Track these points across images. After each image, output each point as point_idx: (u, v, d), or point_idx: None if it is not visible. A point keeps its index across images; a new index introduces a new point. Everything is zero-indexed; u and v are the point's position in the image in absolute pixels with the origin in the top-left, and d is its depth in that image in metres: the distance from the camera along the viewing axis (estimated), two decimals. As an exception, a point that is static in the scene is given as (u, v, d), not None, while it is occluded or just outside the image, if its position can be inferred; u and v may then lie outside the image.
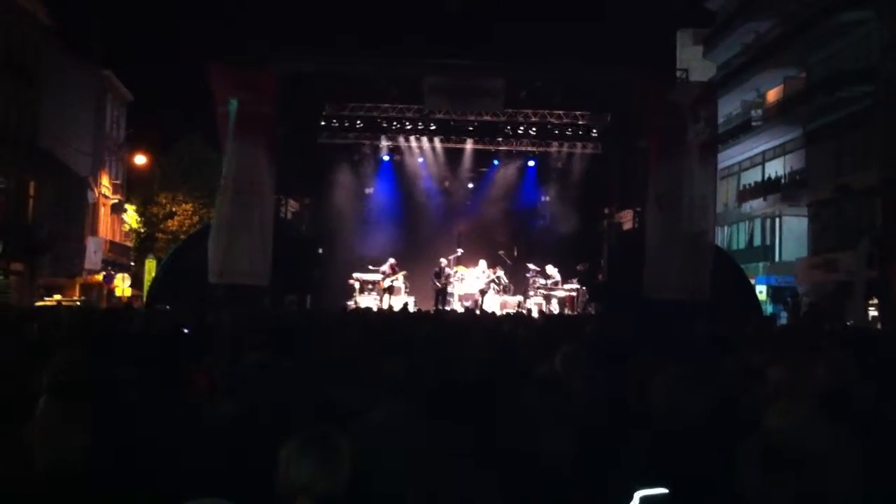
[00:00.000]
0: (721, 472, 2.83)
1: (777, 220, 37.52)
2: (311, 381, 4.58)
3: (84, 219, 41.58)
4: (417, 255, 23.29)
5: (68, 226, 38.49)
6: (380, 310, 17.89)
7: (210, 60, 19.10)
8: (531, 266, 23.29)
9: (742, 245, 40.22)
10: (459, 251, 23.28)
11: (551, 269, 22.69)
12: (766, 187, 37.34)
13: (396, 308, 18.57)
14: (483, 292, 22.42)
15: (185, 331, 8.72)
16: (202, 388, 4.98)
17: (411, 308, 18.67)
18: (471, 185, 25.61)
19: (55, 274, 37.35)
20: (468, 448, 3.28)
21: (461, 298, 22.60)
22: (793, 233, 35.87)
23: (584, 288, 22.06)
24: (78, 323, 9.66)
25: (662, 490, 3.01)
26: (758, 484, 2.69)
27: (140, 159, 46.62)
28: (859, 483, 3.01)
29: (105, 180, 45.07)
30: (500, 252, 23.62)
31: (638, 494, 2.97)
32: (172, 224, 47.24)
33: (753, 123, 37.48)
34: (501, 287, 22.90)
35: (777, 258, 37.07)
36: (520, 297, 22.86)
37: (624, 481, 3.01)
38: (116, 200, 46.70)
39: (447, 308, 20.54)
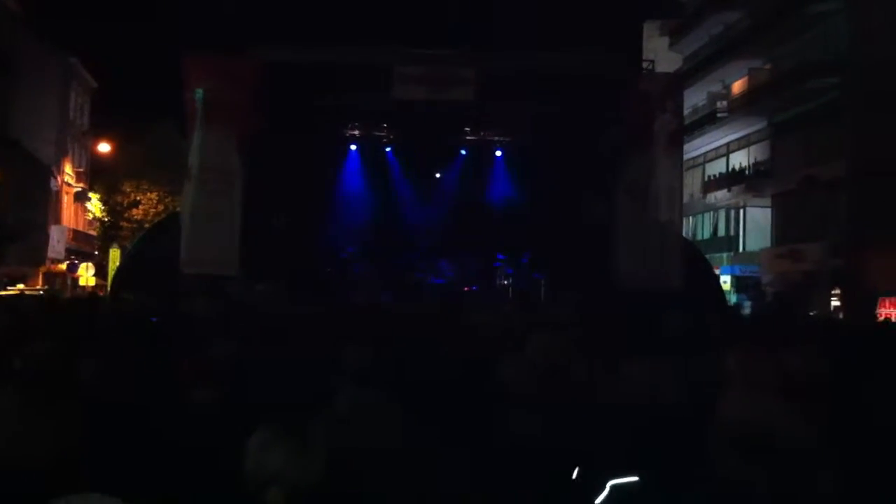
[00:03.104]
0: (689, 461, 2.87)
1: (741, 210, 37.89)
2: (281, 370, 4.57)
3: (47, 207, 41.10)
4: (387, 245, 23.36)
5: (31, 214, 38.01)
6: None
7: (180, 47, 18.88)
8: (500, 256, 23.38)
9: (707, 235, 40.59)
10: None
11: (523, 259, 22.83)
12: (730, 178, 37.70)
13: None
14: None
15: (153, 320, 8.67)
16: (179, 378, 4.95)
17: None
18: (437, 175, 25.60)
19: (18, 263, 36.88)
20: (441, 437, 3.29)
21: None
22: (757, 223, 36.26)
23: (544, 280, 22.15)
24: (42, 312, 9.53)
25: (633, 478, 3.03)
26: (729, 473, 2.72)
27: (104, 147, 46.11)
28: (828, 471, 3.05)
29: (68, 168, 44.56)
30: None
31: (609, 483, 2.99)
32: (137, 213, 46.80)
33: (719, 115, 37.80)
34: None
35: (741, 248, 37.46)
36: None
37: (597, 471, 3.03)
38: (80, 189, 46.18)
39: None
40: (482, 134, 24.13)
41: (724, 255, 37.55)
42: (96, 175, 47.84)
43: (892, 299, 25.57)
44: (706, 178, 40.17)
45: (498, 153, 24.57)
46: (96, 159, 47.58)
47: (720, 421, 3.27)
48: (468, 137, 24.26)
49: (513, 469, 3.21)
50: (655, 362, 3.98)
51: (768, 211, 35.33)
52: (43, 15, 40.71)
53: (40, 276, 39.63)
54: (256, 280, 17.41)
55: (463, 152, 24.82)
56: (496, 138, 24.22)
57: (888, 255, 25.22)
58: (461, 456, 2.96)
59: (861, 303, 25.19)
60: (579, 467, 3.15)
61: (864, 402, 4.07)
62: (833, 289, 28.40)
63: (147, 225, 39.46)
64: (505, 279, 23.40)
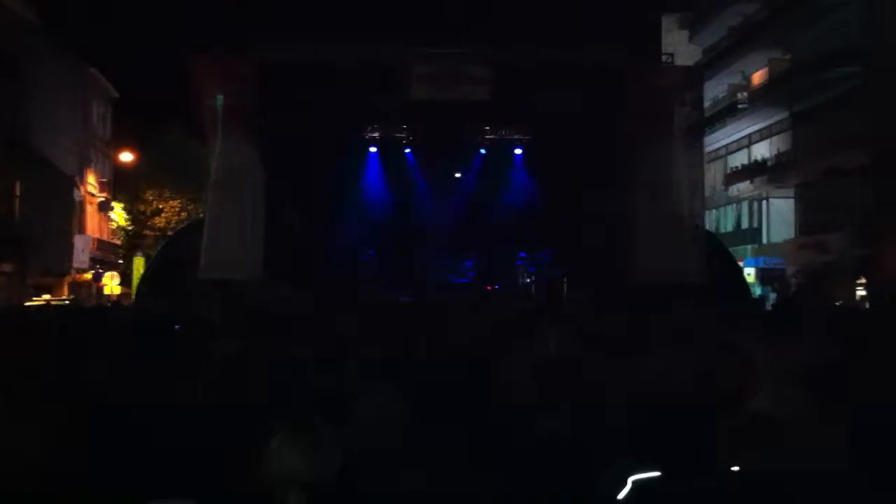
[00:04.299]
0: (710, 453, 2.85)
1: (764, 202, 37.64)
2: (296, 370, 4.58)
3: (71, 217, 41.42)
4: (409, 246, 23.43)
5: (55, 225, 38.32)
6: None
7: (192, 51, 18.94)
8: (521, 254, 23.40)
9: (730, 228, 40.35)
10: None
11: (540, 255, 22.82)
12: (752, 170, 37.45)
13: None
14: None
15: (176, 326, 8.70)
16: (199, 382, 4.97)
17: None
18: (458, 175, 25.59)
19: (44, 273, 37.19)
20: (461, 435, 3.29)
21: None
22: (780, 214, 36.00)
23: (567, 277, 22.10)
24: (58, 321, 9.62)
25: (655, 473, 3.01)
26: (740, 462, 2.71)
27: (126, 156, 46.39)
28: (843, 460, 3.03)
29: (91, 178, 44.89)
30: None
31: (631, 479, 2.97)
32: (160, 221, 47.07)
33: (739, 106, 37.55)
34: None
35: (765, 240, 37.21)
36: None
37: (618, 466, 3.01)
38: (103, 198, 46.50)
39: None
40: (502, 133, 24.11)
41: (748, 247, 37.30)
42: (119, 184, 48.14)
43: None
44: (728, 171, 39.93)
45: (518, 151, 24.54)
46: (119, 169, 47.89)
47: (741, 411, 3.26)
48: (488, 136, 24.25)
49: (531, 466, 3.21)
50: (675, 355, 3.96)
51: (791, 202, 35.07)
52: (61, 25, 40.99)
53: (66, 286, 39.94)
54: (278, 284, 17.48)
55: (483, 151, 24.80)
56: (516, 137, 24.20)
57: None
58: (479, 453, 2.95)
59: (886, 292, 24.92)
60: (600, 463, 3.14)
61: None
62: (858, 278, 28.15)
63: (170, 233, 39.69)
64: (527, 277, 23.39)
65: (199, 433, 3.73)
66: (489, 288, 23.04)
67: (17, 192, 35.49)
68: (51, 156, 38.24)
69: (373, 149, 24.49)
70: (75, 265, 40.74)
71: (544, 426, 3.56)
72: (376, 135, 24.01)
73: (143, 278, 24.94)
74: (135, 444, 3.53)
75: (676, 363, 4.37)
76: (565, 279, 22.24)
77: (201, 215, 21.96)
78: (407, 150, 24.56)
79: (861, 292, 28.17)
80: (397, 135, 24.02)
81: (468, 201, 24.91)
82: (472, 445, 3.08)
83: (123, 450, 3.32)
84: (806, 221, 33.39)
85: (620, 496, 2.92)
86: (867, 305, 25.52)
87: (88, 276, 40.60)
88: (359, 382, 4.16)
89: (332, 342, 6.17)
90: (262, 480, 2.70)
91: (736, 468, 2.87)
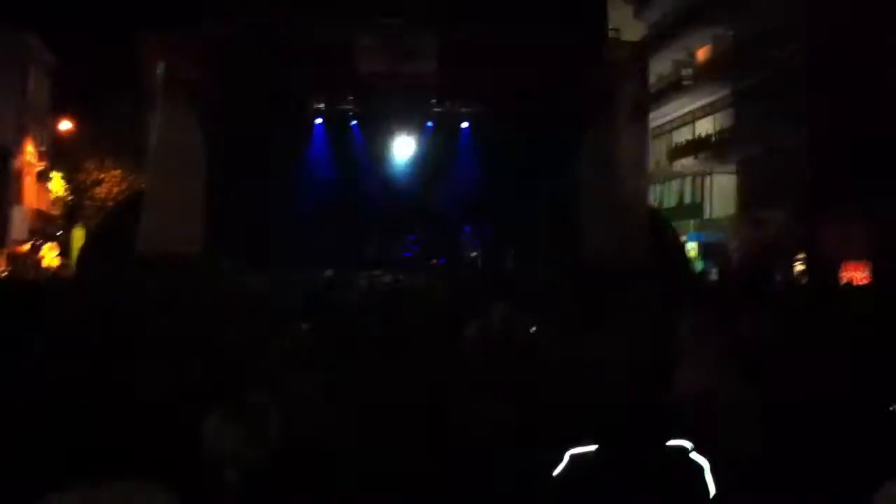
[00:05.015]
0: (645, 428, 2.88)
1: (707, 178, 38.10)
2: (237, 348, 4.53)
3: (8, 187, 40.51)
4: (353, 219, 23.32)
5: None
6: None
7: (137, 23, 18.62)
8: (466, 227, 23.45)
9: (673, 203, 40.82)
10: None
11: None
12: (696, 146, 37.87)
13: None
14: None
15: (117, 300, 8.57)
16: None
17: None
18: (404, 148, 25.47)
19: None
20: (399, 412, 3.28)
21: None
22: (723, 190, 36.49)
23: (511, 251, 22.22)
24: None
25: (591, 447, 3.03)
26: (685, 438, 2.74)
27: (66, 125, 45.44)
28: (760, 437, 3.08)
29: (29, 147, 43.91)
30: None
31: (567, 453, 2.99)
32: (100, 191, 46.23)
33: (684, 83, 37.88)
34: None
35: (707, 215, 37.72)
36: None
37: (558, 442, 3.02)
38: (41, 168, 45.53)
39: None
40: (448, 105, 24.03)
41: (691, 221, 37.78)
42: (58, 154, 47.15)
43: (856, 264, 25.87)
44: (672, 146, 40.33)
45: (464, 125, 24.50)
46: (58, 138, 46.91)
47: (678, 386, 3.29)
48: (435, 109, 24.16)
49: (471, 444, 3.21)
50: (616, 331, 3.99)
51: (734, 178, 35.55)
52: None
53: (3, 258, 39.13)
54: (220, 257, 17.32)
55: (429, 125, 24.72)
56: (462, 110, 24.14)
57: (850, 220, 25.51)
58: (419, 431, 2.95)
59: (824, 267, 25.46)
60: (539, 440, 3.16)
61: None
62: (798, 254, 28.69)
63: (111, 203, 39.04)
64: (472, 251, 23.43)
65: (137, 412, 3.68)
66: (433, 261, 23.05)
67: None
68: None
69: (318, 120, 24.27)
70: (13, 237, 39.91)
71: (492, 406, 3.57)
72: (322, 106, 23.80)
73: (82, 251, 24.54)
74: (69, 422, 3.47)
75: (619, 338, 4.39)
76: (511, 253, 22.35)
77: (142, 187, 21.62)
78: (353, 123, 24.38)
79: (800, 267, 28.72)
80: (343, 107, 23.82)
81: (414, 174, 24.84)
82: (411, 423, 3.08)
83: (53, 429, 3.27)
84: (748, 197, 33.88)
85: (557, 472, 2.93)
86: (805, 281, 26.04)
87: (26, 247, 39.81)
88: (302, 361, 4.13)
89: (272, 317, 6.12)
90: (199, 459, 2.67)
91: (671, 442, 2.91)
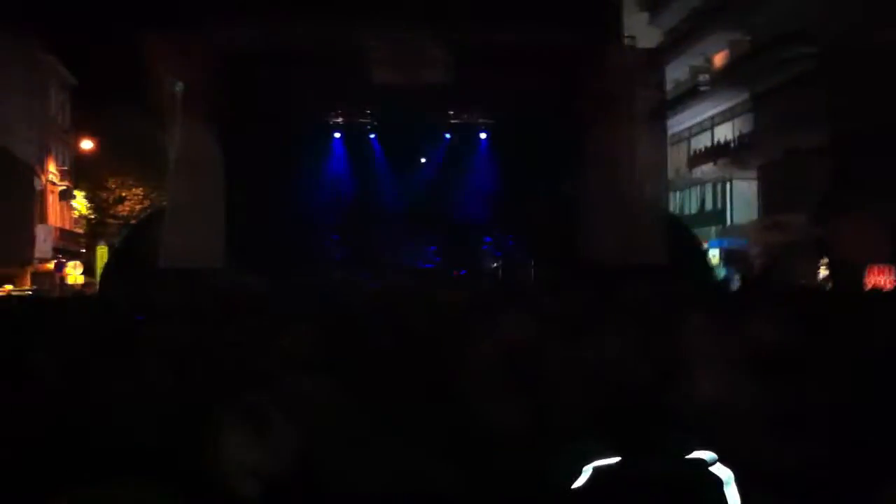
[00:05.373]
0: (668, 436, 2.86)
1: (728, 183, 37.94)
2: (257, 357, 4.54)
3: (31, 207, 40.87)
4: (373, 232, 23.37)
5: (15, 214, 37.80)
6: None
7: (150, 35, 18.70)
8: (487, 238, 23.44)
9: (694, 210, 40.65)
10: None
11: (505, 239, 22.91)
12: (716, 152, 37.72)
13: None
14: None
15: (139, 318, 8.59)
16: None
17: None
18: (422, 160, 25.51)
19: (5, 264, 36.71)
20: (413, 422, 3.27)
21: None
22: (743, 196, 36.32)
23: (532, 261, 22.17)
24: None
25: (615, 459, 3.00)
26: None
27: (87, 144, 45.84)
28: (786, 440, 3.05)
29: (52, 167, 44.30)
30: None
31: (590, 466, 2.96)
32: (123, 209, 46.57)
33: (701, 88, 37.77)
34: None
35: (729, 222, 37.53)
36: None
37: (575, 453, 3.00)
38: (64, 187, 45.92)
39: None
40: (466, 117, 24.03)
41: (713, 228, 37.61)
42: (80, 172, 47.56)
43: (881, 268, 25.65)
44: (692, 153, 40.19)
45: (482, 135, 24.50)
46: (80, 157, 47.31)
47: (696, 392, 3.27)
48: (452, 121, 24.17)
49: (484, 452, 3.20)
50: (637, 337, 3.97)
51: (754, 183, 35.38)
52: (14, 11, 40.26)
53: (28, 276, 39.45)
54: (240, 272, 17.36)
55: (447, 136, 24.74)
56: (480, 121, 24.14)
57: (874, 223, 25.29)
58: (431, 438, 2.94)
59: (848, 272, 25.24)
60: (555, 449, 3.14)
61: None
62: (821, 258, 28.48)
63: (133, 220, 39.31)
64: (493, 262, 23.40)
65: (159, 424, 3.70)
66: (455, 273, 23.02)
67: (-24, 183, 34.99)
68: (8, 144, 37.70)
69: (337, 134, 24.37)
70: (37, 255, 40.25)
71: (510, 413, 3.56)
72: (340, 120, 23.88)
73: (106, 268, 24.69)
74: (93, 435, 3.50)
75: (639, 345, 4.38)
76: (533, 264, 22.29)
77: (164, 203, 21.75)
78: (371, 136, 24.46)
79: (824, 272, 28.51)
80: (361, 120, 23.89)
81: (433, 186, 24.85)
82: (433, 436, 3.07)
83: (79, 441, 3.29)
84: (768, 202, 33.69)
85: (577, 484, 2.90)
86: (829, 285, 25.84)
87: (51, 265, 40.12)
88: (319, 371, 4.13)
89: (296, 332, 6.12)
90: (218, 470, 2.67)
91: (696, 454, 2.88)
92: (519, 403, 3.52)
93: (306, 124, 23.09)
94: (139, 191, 46.68)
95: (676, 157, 40.01)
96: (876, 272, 25.57)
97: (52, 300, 15.94)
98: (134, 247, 20.81)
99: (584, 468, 2.89)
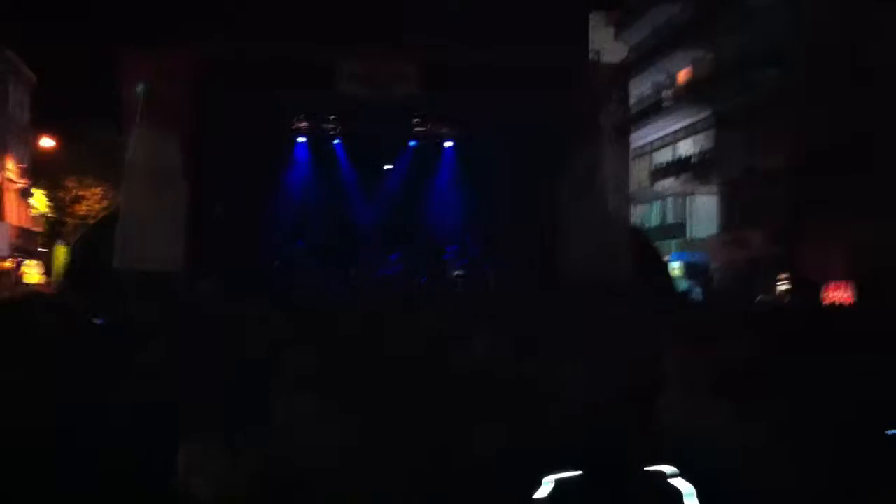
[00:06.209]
0: (629, 453, 2.86)
1: (689, 198, 38.30)
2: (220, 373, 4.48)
3: (-13, 204, 40.30)
4: (336, 238, 23.28)
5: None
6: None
7: (118, 42, 18.63)
8: (448, 248, 23.42)
9: (655, 223, 40.97)
10: None
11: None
12: (677, 167, 38.06)
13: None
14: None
15: (98, 322, 8.47)
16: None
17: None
18: (387, 167, 25.44)
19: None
20: (381, 441, 3.24)
21: None
22: (704, 211, 36.68)
23: (495, 271, 22.19)
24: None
25: (576, 472, 3.00)
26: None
27: (46, 143, 45.27)
28: (755, 462, 3.06)
29: (10, 164, 43.68)
30: None
31: (551, 478, 2.95)
32: (81, 209, 46.03)
33: (664, 104, 38.12)
34: None
35: (689, 236, 37.88)
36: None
37: (535, 467, 2.99)
38: (23, 185, 45.29)
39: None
40: (431, 126, 24.03)
41: (673, 241, 37.92)
42: (39, 171, 46.91)
43: (837, 284, 26.00)
44: (653, 167, 40.51)
45: (448, 144, 24.50)
46: (39, 155, 46.68)
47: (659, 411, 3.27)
48: (417, 129, 24.15)
49: (454, 468, 3.18)
50: (599, 354, 3.97)
51: (715, 198, 35.74)
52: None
53: (-17, 275, 38.83)
54: (200, 276, 17.21)
55: (412, 144, 24.71)
56: (445, 130, 24.16)
57: (830, 239, 25.69)
58: (403, 457, 2.91)
59: (805, 288, 25.58)
60: (519, 463, 3.13)
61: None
62: (780, 274, 28.83)
63: (91, 220, 38.81)
64: (455, 270, 23.38)
65: (118, 435, 3.63)
66: (416, 280, 22.98)
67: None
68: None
69: (301, 139, 24.23)
70: (-6, 253, 39.65)
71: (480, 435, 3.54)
72: (304, 125, 23.75)
73: (63, 268, 24.40)
74: (49, 446, 3.42)
75: (604, 361, 4.38)
76: (493, 273, 22.32)
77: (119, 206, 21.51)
78: (336, 142, 24.36)
79: (782, 287, 28.86)
80: (325, 125, 23.79)
81: (397, 192, 24.79)
82: (395, 448, 3.04)
83: (35, 454, 3.22)
84: (728, 218, 34.06)
85: (538, 496, 2.89)
86: (787, 301, 26.15)
87: (9, 264, 39.52)
88: (286, 386, 4.08)
89: (258, 341, 6.05)
90: (184, 488, 2.62)
91: (656, 468, 2.88)
92: (478, 420, 3.50)
93: (268, 130, 22.94)
94: (98, 190, 46.16)
95: (638, 172, 40.31)
96: (833, 288, 25.93)
97: (6, 300, 15.68)
98: (89, 249, 20.58)
99: (545, 480, 2.88)
